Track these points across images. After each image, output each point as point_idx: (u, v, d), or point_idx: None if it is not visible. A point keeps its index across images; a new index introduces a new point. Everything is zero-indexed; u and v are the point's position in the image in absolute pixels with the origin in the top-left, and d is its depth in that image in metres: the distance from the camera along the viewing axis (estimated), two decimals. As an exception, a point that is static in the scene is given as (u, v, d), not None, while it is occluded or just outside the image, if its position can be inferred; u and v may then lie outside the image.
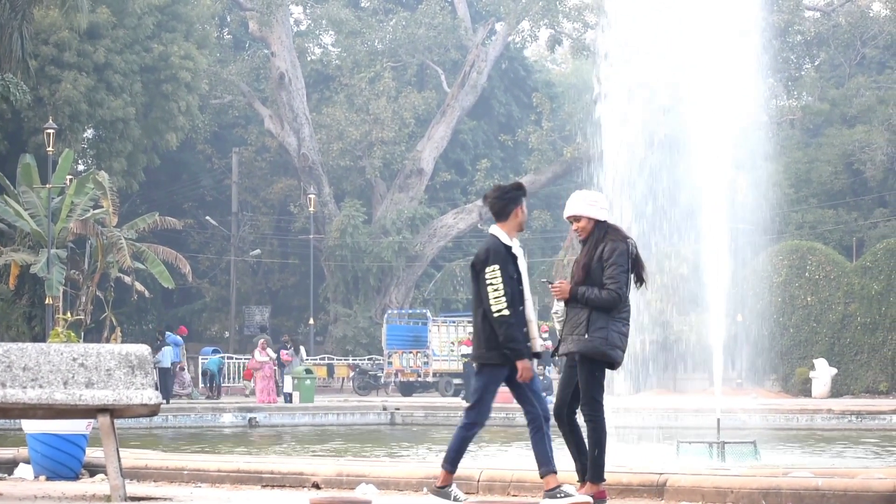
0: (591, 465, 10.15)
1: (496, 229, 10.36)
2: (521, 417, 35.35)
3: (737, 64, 23.58)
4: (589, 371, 10.16)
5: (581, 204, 10.33)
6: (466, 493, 11.04)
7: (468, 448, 10.42)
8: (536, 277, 55.86)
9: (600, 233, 10.28)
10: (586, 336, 10.11)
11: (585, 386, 10.17)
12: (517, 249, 10.34)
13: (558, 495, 10.00)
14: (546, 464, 10.13)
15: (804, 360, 45.16)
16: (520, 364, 10.11)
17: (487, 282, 10.12)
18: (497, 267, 10.12)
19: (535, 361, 10.47)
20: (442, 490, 10.30)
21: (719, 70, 22.50)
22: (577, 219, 10.34)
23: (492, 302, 10.09)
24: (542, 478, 10.18)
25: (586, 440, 10.20)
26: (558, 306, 10.48)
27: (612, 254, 10.15)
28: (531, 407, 10.26)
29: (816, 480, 10.39)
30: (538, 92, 65.19)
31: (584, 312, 10.16)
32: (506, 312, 10.05)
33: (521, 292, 10.25)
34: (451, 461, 10.30)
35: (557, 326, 10.49)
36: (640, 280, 10.36)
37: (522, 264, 10.34)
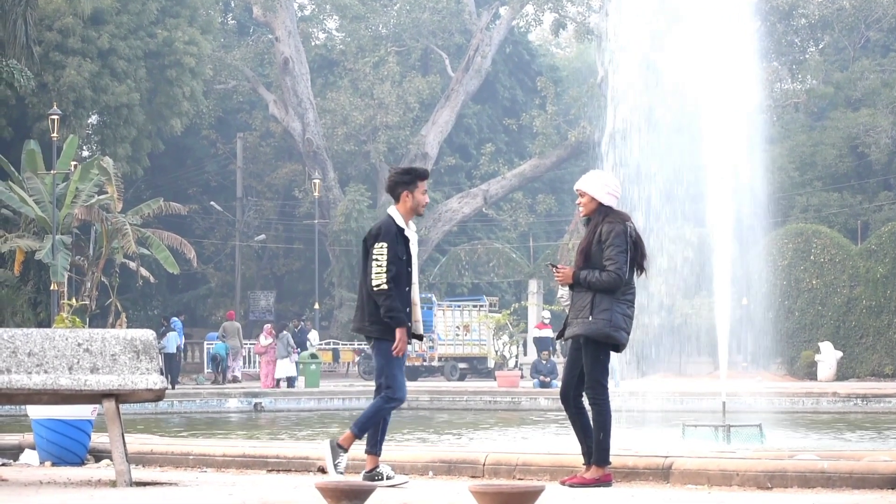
0: (596, 449, 10.16)
1: (392, 210, 10.63)
2: (526, 401, 35.23)
3: (741, 47, 23.53)
4: (593, 353, 10.17)
5: (592, 183, 10.42)
6: (472, 477, 11.05)
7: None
8: (542, 261, 55.92)
9: (600, 216, 10.33)
10: (590, 318, 10.13)
11: (590, 369, 10.18)
12: (411, 234, 10.56)
13: (376, 478, 10.28)
14: (373, 445, 10.46)
15: (809, 344, 45.15)
16: (398, 332, 10.29)
17: (374, 257, 10.34)
18: (385, 245, 10.35)
19: (417, 343, 10.72)
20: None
21: (724, 53, 22.46)
22: (582, 193, 10.44)
23: (373, 276, 10.30)
24: (366, 453, 10.48)
25: (592, 423, 10.21)
26: (564, 291, 10.51)
27: (609, 235, 10.19)
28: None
29: (822, 463, 10.39)
30: (542, 76, 65.09)
31: (588, 295, 10.18)
32: (384, 287, 10.25)
33: (410, 274, 10.48)
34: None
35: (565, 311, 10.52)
36: (640, 268, 10.36)
37: (414, 248, 10.57)
